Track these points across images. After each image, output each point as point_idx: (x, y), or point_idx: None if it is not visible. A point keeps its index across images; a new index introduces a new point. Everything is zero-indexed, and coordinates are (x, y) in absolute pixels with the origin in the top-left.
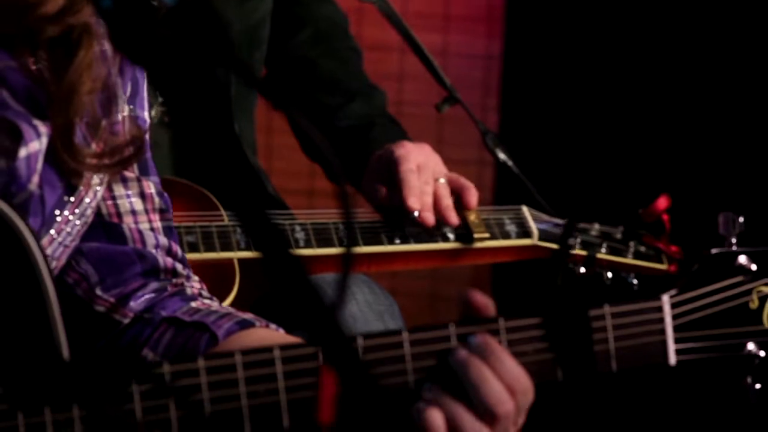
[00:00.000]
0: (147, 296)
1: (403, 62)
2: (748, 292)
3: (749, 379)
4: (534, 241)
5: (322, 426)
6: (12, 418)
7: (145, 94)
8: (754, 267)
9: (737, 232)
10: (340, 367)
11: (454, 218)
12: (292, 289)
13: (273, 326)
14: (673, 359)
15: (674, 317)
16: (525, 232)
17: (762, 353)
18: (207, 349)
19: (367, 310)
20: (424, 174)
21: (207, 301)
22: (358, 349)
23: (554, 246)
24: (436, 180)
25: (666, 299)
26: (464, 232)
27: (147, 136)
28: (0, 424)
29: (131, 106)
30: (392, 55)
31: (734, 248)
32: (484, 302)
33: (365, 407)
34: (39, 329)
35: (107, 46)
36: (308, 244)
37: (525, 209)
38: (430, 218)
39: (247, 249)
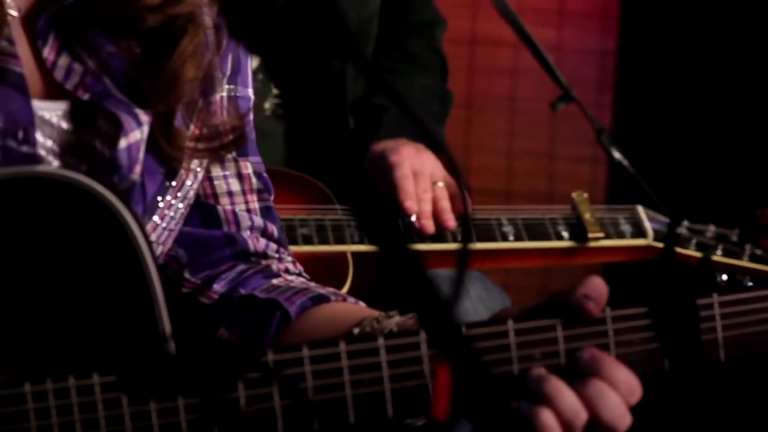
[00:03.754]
0: (230, 277)
1: (517, 57)
2: None
3: None
4: (649, 241)
5: (437, 422)
6: (117, 405)
7: (249, 72)
8: None
9: None
10: (454, 359)
11: (449, 221)
12: (408, 284)
13: (351, 300)
14: None
15: None
16: (640, 232)
17: None
18: (279, 327)
19: (480, 306)
20: (422, 181)
21: (290, 277)
22: (470, 342)
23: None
24: (434, 183)
25: None
26: (578, 231)
27: (250, 116)
28: (106, 412)
29: (231, 86)
30: (506, 51)
31: None
32: (586, 294)
33: (476, 398)
34: (144, 318)
35: (210, 33)
36: (422, 239)
37: (640, 209)
38: (429, 226)
39: (360, 242)
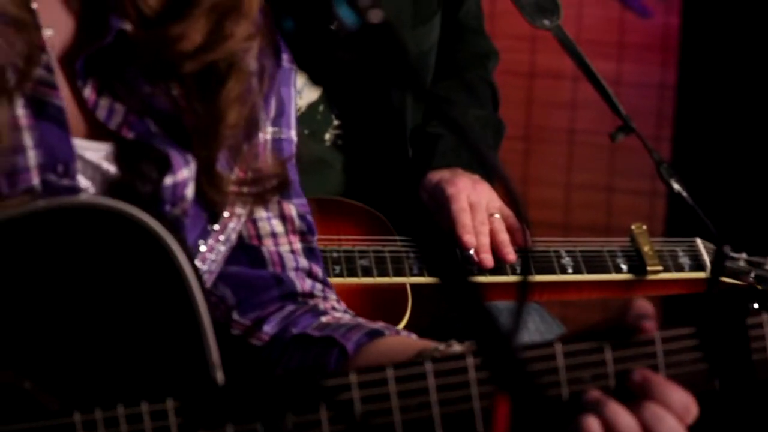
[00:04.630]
0: (280, 318)
1: (577, 90)
2: None
3: None
4: (708, 274)
5: None
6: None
7: (293, 113)
8: None
9: None
10: (513, 392)
11: (510, 255)
12: (467, 316)
13: (404, 333)
14: None
15: None
16: (699, 265)
17: None
18: (338, 364)
19: (538, 338)
20: (478, 213)
21: (338, 315)
22: (531, 374)
23: (729, 280)
24: (491, 215)
25: None
26: (637, 264)
27: (293, 159)
28: None
29: (275, 128)
30: (566, 83)
31: None
32: (643, 312)
33: (533, 423)
34: (192, 346)
35: (254, 78)
36: (481, 272)
37: (699, 242)
38: (488, 260)
39: (419, 274)
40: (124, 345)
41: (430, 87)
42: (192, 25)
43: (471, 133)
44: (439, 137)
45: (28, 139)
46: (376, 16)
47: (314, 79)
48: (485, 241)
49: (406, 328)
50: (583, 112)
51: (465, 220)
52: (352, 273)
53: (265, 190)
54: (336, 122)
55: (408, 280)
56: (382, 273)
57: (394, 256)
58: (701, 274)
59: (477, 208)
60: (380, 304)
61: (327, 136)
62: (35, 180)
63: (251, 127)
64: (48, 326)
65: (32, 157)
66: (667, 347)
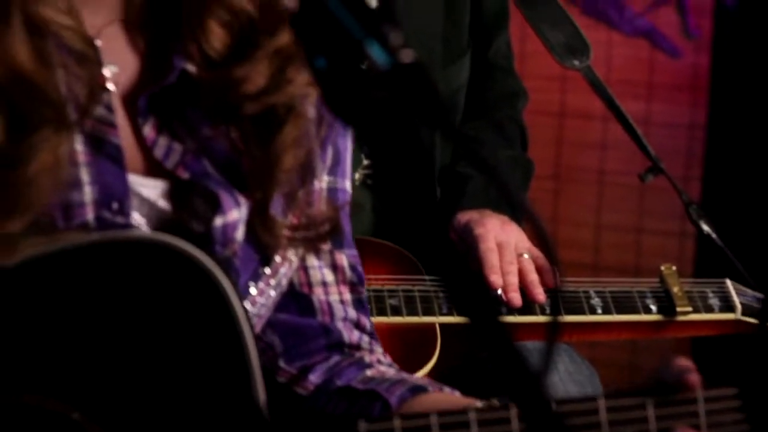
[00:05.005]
0: (325, 368)
1: (606, 130)
2: None
3: None
4: (737, 315)
5: None
6: None
7: (348, 163)
8: None
9: None
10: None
11: (540, 295)
12: (497, 356)
13: (447, 389)
14: None
15: None
16: (728, 306)
17: None
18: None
19: (568, 379)
20: (507, 253)
21: (383, 368)
22: (560, 416)
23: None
24: (520, 255)
25: None
26: (667, 305)
27: (347, 209)
28: None
29: (331, 177)
30: (595, 123)
31: None
32: (686, 367)
33: None
34: (240, 385)
35: (312, 125)
36: (510, 312)
37: (729, 283)
38: (516, 299)
39: (448, 314)
40: (172, 381)
41: (460, 126)
42: (255, 68)
43: (500, 173)
44: (469, 177)
45: (85, 175)
46: (407, 55)
47: (346, 119)
48: (513, 280)
49: (435, 367)
50: (613, 153)
51: (492, 260)
52: (381, 312)
53: (318, 235)
54: (365, 162)
55: (437, 319)
56: (412, 312)
57: (423, 296)
58: (731, 316)
59: (505, 248)
60: (409, 344)
61: (356, 176)
62: (90, 215)
63: (307, 172)
64: (98, 358)
65: (88, 192)
66: (710, 407)
